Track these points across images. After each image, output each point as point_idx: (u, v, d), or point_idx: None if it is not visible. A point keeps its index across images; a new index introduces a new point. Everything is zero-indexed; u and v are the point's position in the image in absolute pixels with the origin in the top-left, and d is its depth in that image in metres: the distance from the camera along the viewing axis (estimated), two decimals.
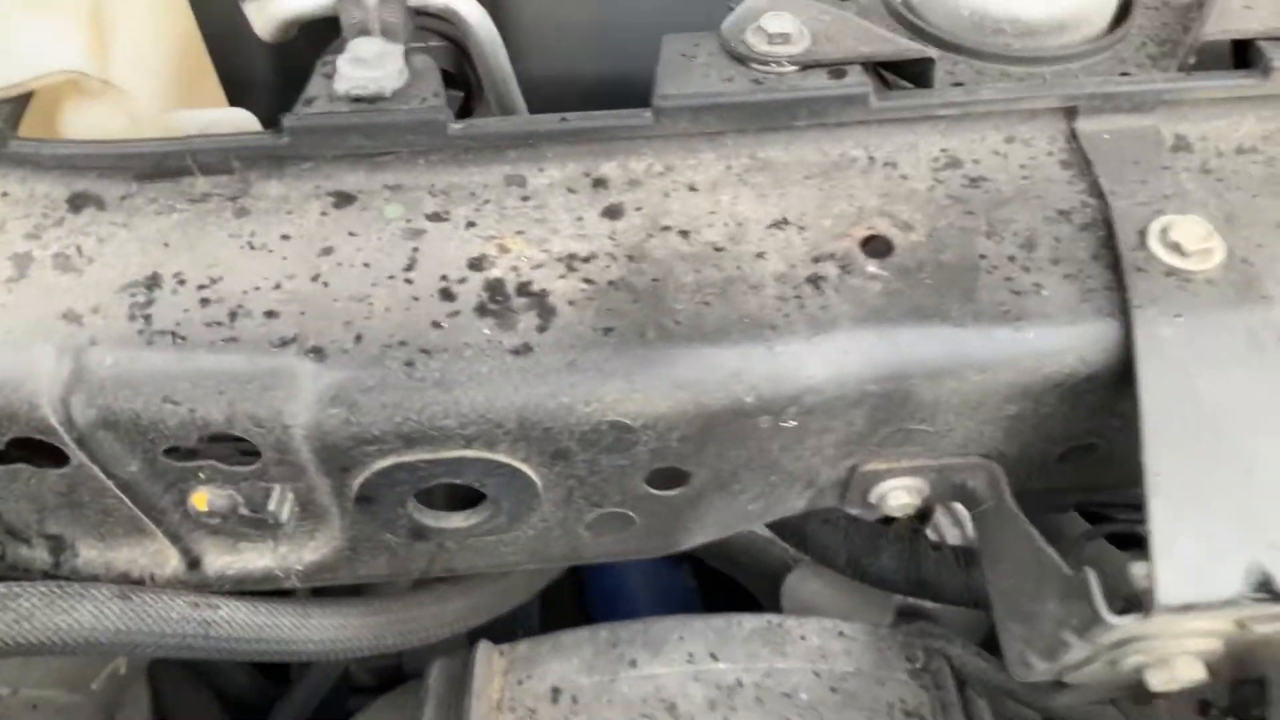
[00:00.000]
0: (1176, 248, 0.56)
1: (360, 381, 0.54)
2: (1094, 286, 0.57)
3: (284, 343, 0.56)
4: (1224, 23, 0.64)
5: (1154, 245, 0.57)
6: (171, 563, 0.65)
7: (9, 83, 0.61)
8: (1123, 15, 0.70)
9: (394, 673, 1.18)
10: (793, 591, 1.14)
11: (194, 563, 0.65)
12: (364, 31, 0.64)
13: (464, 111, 1.01)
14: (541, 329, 0.56)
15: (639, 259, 0.59)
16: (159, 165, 0.61)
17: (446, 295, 0.57)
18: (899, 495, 0.65)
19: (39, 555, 0.64)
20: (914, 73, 0.64)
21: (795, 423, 0.57)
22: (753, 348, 0.55)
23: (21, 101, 0.62)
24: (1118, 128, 0.63)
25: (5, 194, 0.61)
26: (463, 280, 0.58)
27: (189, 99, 0.72)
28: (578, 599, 1.48)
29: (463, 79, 1.01)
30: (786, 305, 0.57)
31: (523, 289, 0.57)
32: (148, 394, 0.55)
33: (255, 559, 0.65)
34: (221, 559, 0.65)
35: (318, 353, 0.55)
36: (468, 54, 1.03)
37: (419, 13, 0.69)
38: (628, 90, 0.96)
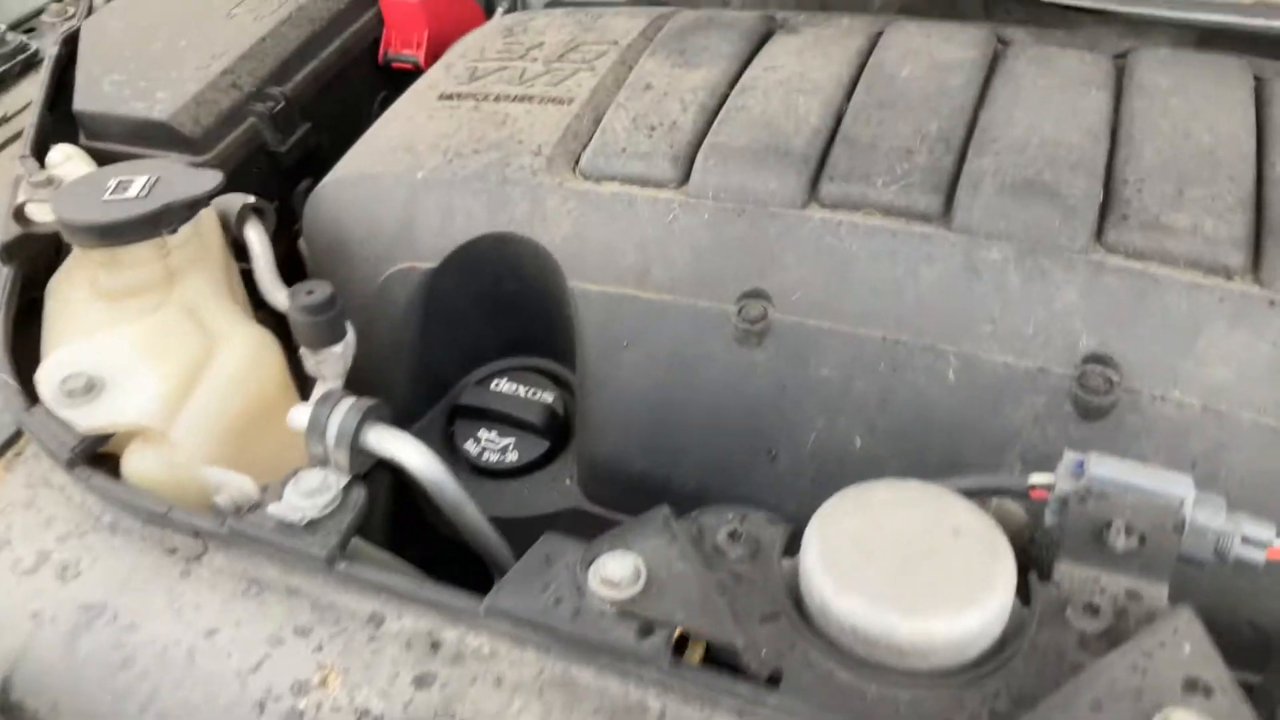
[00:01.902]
0: None
1: None
2: None
3: (138, 699, 0.70)
4: None
5: None
6: None
7: (98, 425, 0.84)
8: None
9: None
10: None
11: None
12: (322, 463, 0.79)
13: (550, 455, 1.15)
14: None
15: None
16: (155, 517, 0.80)
17: (260, 707, 0.69)
18: None
19: None
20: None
21: None
22: None
23: (102, 438, 0.85)
24: None
25: (69, 499, 0.83)
26: (279, 699, 0.69)
27: (256, 442, 0.92)
28: None
29: (555, 429, 1.15)
30: None
31: None
32: (50, 695, 0.72)
33: None
34: None
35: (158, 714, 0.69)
36: (567, 405, 1.17)
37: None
38: (669, 488, 1.04)
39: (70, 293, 1.03)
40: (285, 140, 1.38)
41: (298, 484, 0.76)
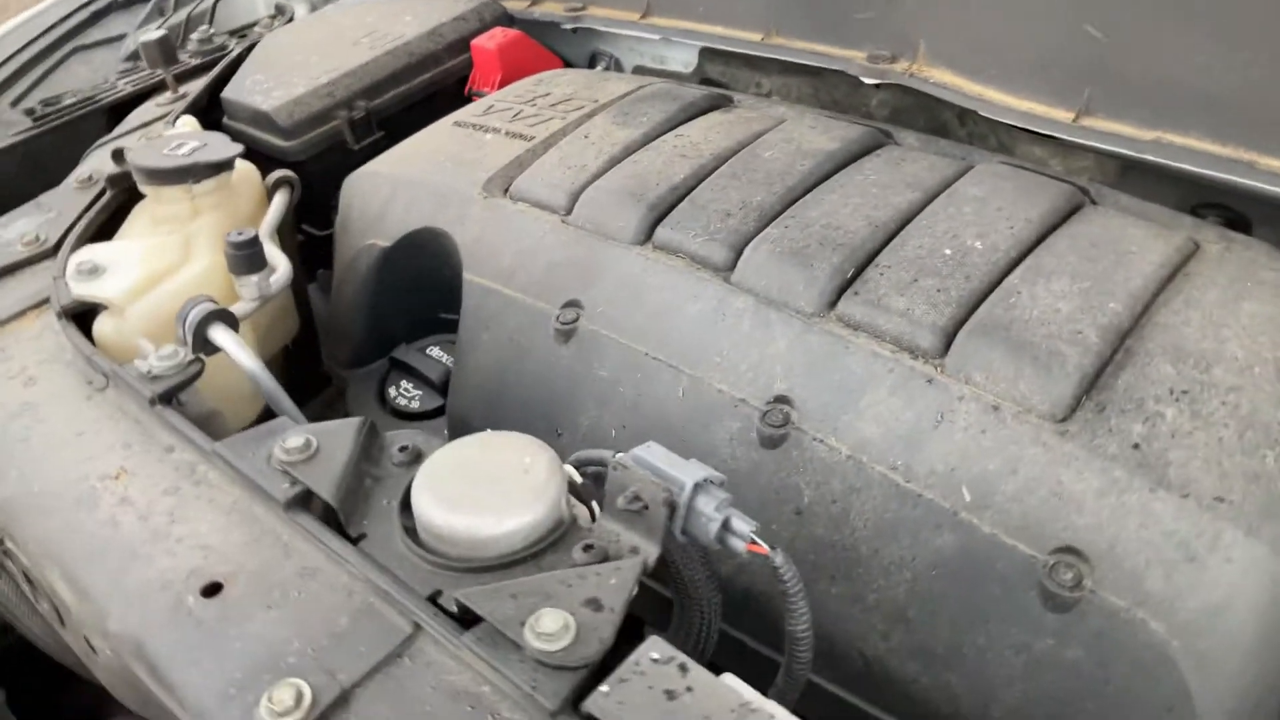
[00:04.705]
0: None
1: None
2: None
3: (18, 455, 1.07)
4: None
5: None
6: None
7: (83, 295, 1.23)
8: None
9: None
10: None
11: None
12: (181, 342, 1.13)
13: (443, 409, 1.43)
14: None
15: None
16: (85, 357, 1.17)
17: (81, 479, 1.03)
18: None
19: None
20: None
21: None
22: None
23: (86, 303, 1.24)
24: None
25: (55, 340, 1.23)
26: (88, 478, 1.03)
27: None
28: None
29: None
30: None
31: None
32: None
33: None
34: None
35: (29, 459, 1.06)
36: None
37: None
38: None
39: (139, 213, 1.46)
40: (359, 141, 1.78)
41: (159, 351, 1.11)
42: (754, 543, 0.86)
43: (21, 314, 1.29)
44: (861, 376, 1.05)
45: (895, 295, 1.09)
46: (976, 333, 1.03)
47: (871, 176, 1.26)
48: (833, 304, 1.11)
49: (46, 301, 1.30)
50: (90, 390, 1.15)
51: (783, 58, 1.70)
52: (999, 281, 1.09)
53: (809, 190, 1.26)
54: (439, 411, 1.44)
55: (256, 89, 1.79)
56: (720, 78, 1.88)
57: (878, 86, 1.62)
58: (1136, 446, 0.93)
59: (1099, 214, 1.19)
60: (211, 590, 0.90)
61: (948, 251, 1.13)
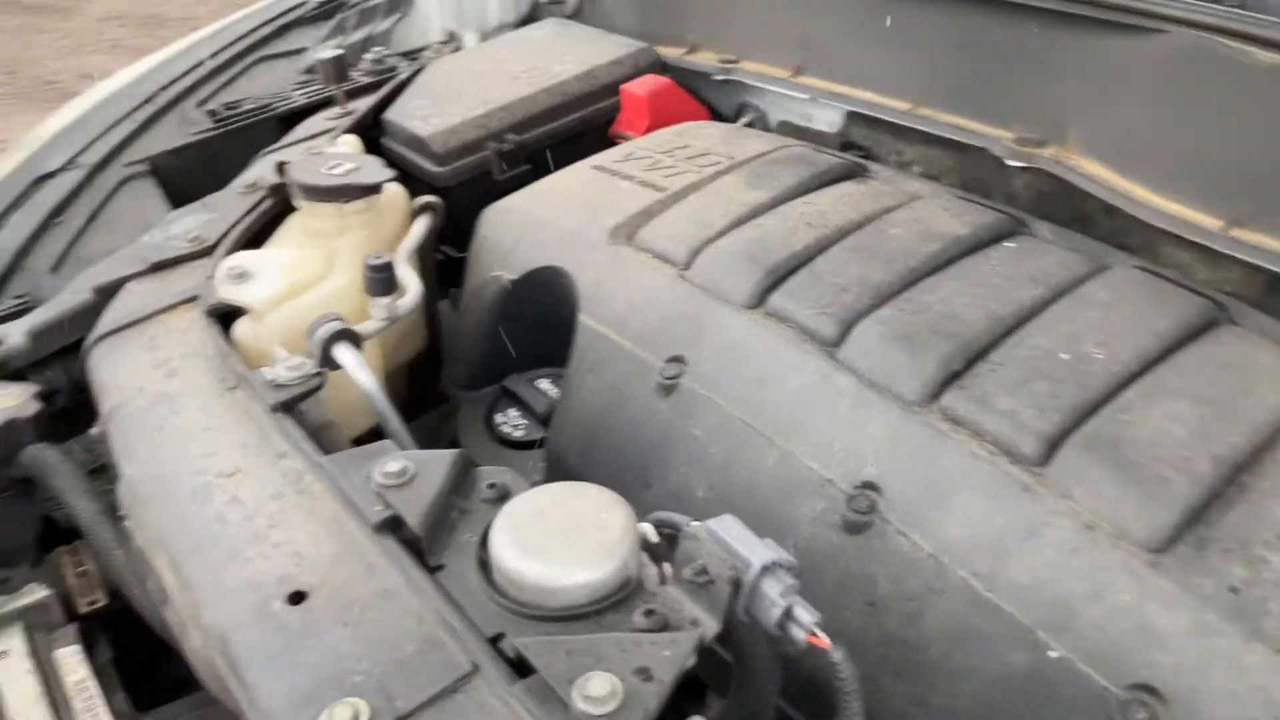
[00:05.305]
0: None
1: None
2: None
3: (153, 441, 1.16)
4: None
5: None
6: None
7: (228, 298, 1.33)
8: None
9: None
10: None
11: None
12: (308, 354, 1.20)
13: (544, 441, 1.47)
14: None
15: None
16: (222, 359, 1.26)
17: (199, 472, 1.11)
18: None
19: None
20: None
21: None
22: None
23: (230, 306, 1.34)
24: None
25: (200, 336, 1.32)
26: (205, 472, 1.11)
27: None
28: None
29: None
30: None
31: None
32: (122, 429, 1.21)
33: None
34: None
35: (155, 444, 1.15)
36: None
37: None
38: None
39: (291, 223, 1.56)
40: (506, 172, 1.85)
41: (287, 361, 1.18)
42: (814, 634, 0.86)
43: (174, 307, 1.39)
44: (955, 474, 1.03)
45: (1003, 395, 1.06)
46: (1082, 446, 1.00)
47: (996, 267, 1.24)
48: (936, 395, 1.09)
49: (197, 299, 1.40)
50: (222, 388, 1.23)
51: (928, 130, 1.68)
52: (1114, 395, 1.05)
53: (930, 274, 1.25)
54: (540, 444, 1.48)
55: (416, 114, 1.88)
56: (863, 141, 1.87)
57: (1022, 169, 1.58)
58: (1235, 590, 0.88)
59: (1233, 335, 1.14)
60: (297, 598, 0.96)
61: (1065, 356, 1.09)
